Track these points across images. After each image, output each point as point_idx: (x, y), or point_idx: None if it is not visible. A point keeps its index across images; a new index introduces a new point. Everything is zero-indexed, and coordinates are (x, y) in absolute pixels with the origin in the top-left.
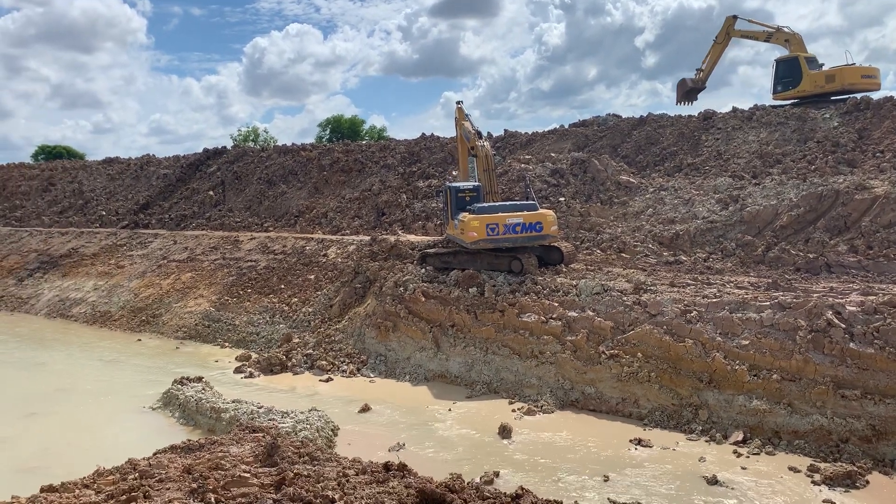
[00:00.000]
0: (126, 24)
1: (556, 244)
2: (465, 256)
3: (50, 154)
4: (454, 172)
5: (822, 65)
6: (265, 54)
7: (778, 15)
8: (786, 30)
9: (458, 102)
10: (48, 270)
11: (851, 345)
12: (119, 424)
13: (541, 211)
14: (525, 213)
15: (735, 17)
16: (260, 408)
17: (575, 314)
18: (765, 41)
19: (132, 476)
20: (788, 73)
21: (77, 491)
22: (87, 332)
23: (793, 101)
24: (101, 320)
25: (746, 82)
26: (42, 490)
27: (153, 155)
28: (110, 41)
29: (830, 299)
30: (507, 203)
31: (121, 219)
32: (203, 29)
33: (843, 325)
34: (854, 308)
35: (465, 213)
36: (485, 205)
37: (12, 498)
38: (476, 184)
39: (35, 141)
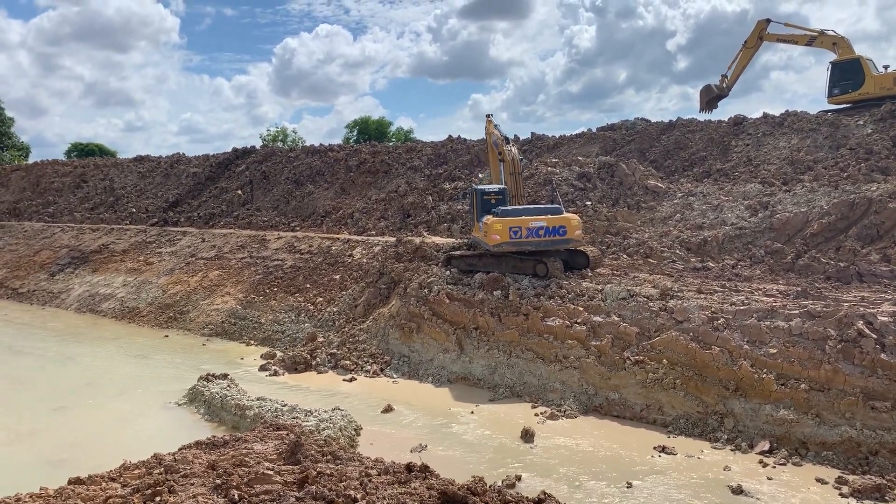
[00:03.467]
0: (159, 23)
1: (581, 248)
2: (490, 259)
3: (83, 151)
4: (480, 175)
5: (887, 66)
6: (295, 55)
7: (813, 19)
8: (830, 33)
9: (487, 116)
10: (79, 266)
11: (882, 356)
12: (145, 419)
13: (565, 215)
14: (549, 216)
15: (768, 21)
16: (284, 406)
17: (600, 319)
18: (806, 45)
19: (157, 470)
20: (848, 75)
21: (104, 484)
22: (115, 328)
23: (850, 104)
24: (129, 316)
25: (778, 87)
26: (70, 482)
27: (183, 153)
28: (144, 40)
29: (861, 309)
30: (532, 206)
31: (150, 216)
32: (234, 29)
33: (874, 336)
34: (886, 318)
35: (490, 216)
36: (509, 208)
37: (40, 489)
38: (501, 187)
39: (68, 138)
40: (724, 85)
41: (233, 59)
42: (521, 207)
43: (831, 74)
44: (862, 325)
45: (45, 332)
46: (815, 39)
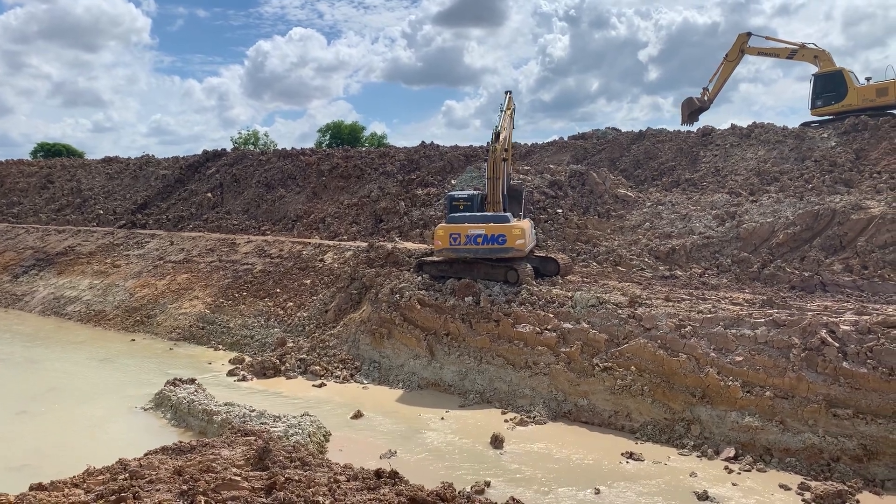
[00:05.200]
0: (130, 23)
1: (552, 256)
2: (462, 265)
3: (49, 152)
4: (453, 182)
5: (869, 78)
6: (268, 58)
7: (782, 33)
8: (811, 46)
9: (507, 92)
10: (44, 268)
11: (845, 364)
12: (110, 424)
13: (509, 224)
14: (489, 225)
15: (749, 34)
16: (252, 411)
17: (570, 326)
18: (787, 58)
19: (122, 476)
20: (831, 87)
21: (66, 490)
22: (80, 331)
23: (833, 116)
24: (95, 319)
25: (747, 99)
26: (31, 488)
27: (152, 155)
28: (114, 40)
29: (825, 318)
30: (477, 214)
31: (118, 218)
32: (207, 31)
33: (837, 344)
34: (848, 327)
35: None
36: (456, 215)
37: (0, 495)
38: (471, 193)
39: (35, 138)
40: (706, 98)
41: (205, 61)
42: (468, 214)
43: (814, 87)
44: (825, 334)
45: (9, 335)
46: (797, 52)
